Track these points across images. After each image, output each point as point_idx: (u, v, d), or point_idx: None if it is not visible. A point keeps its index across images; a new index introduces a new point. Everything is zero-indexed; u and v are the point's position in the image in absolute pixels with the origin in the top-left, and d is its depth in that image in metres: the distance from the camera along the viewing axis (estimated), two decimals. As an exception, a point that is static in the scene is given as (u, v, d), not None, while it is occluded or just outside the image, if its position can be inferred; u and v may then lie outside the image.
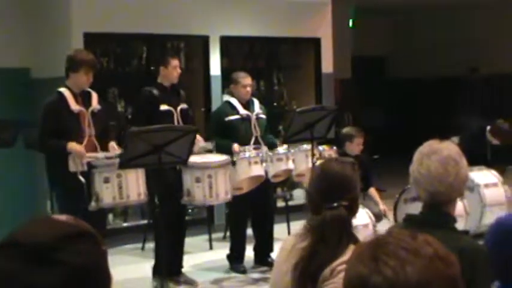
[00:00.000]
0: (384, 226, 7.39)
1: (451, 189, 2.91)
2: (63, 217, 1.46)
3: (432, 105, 15.30)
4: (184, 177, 6.74)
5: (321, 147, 7.52)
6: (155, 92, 6.94)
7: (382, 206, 8.08)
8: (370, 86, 15.66)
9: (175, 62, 7.09)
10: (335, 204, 2.85)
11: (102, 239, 1.47)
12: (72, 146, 6.09)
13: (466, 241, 2.89)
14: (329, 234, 2.80)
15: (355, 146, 8.02)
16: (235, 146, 7.23)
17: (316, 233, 2.83)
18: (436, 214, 2.94)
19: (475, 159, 8.13)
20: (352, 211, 2.95)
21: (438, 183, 2.89)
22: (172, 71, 7.05)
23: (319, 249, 2.80)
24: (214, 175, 6.72)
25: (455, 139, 8.95)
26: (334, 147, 7.71)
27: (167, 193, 6.47)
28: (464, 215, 7.91)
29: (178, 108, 7.00)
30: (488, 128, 9.10)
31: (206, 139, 7.96)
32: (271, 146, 7.45)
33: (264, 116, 7.64)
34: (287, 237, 3.11)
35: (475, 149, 8.60)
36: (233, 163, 6.99)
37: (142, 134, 5.82)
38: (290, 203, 9.40)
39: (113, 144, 6.38)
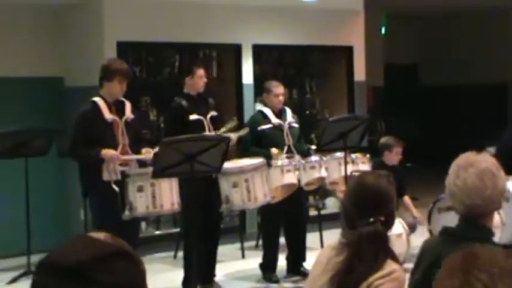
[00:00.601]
0: (418, 236, 7.36)
1: (488, 202, 2.89)
2: (101, 235, 1.47)
3: (466, 113, 15.18)
4: (221, 184, 6.75)
5: (354, 155, 7.49)
6: (184, 102, 6.98)
7: (416, 214, 8.05)
8: (403, 93, 15.59)
9: (200, 72, 7.11)
10: (372, 220, 2.84)
11: (140, 258, 1.47)
12: (106, 151, 6.14)
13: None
14: (366, 250, 2.79)
15: (394, 156, 8.00)
16: (273, 150, 7.23)
17: (353, 248, 2.82)
18: (473, 227, 2.92)
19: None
20: (388, 226, 2.93)
21: (475, 196, 2.87)
22: (198, 80, 7.08)
23: (355, 264, 2.78)
24: (251, 178, 6.72)
25: (492, 149, 8.85)
26: (368, 155, 7.67)
27: (200, 202, 6.49)
28: (500, 225, 7.83)
29: (208, 116, 7.03)
30: None
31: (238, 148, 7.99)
32: (305, 153, 7.44)
33: (296, 125, 7.63)
34: (322, 249, 3.09)
35: None
36: (269, 165, 7.00)
37: (174, 144, 5.85)
38: (323, 211, 9.39)
39: (147, 149, 6.41)
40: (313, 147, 7.56)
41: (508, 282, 1.41)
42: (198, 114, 6.96)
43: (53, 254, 1.43)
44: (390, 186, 2.99)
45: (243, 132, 7.23)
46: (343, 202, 3.04)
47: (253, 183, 6.72)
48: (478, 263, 1.44)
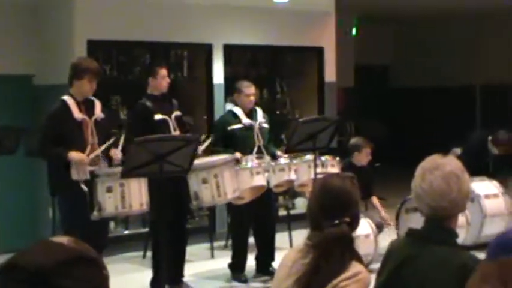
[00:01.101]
0: (385, 236, 7.41)
1: (453, 204, 2.92)
2: (64, 240, 1.46)
3: (434, 115, 15.32)
4: (190, 181, 6.72)
5: (323, 158, 7.52)
6: (148, 103, 6.96)
7: (383, 214, 8.11)
8: (373, 94, 15.68)
9: (163, 72, 7.08)
10: (337, 221, 2.86)
11: (103, 263, 1.47)
12: (73, 154, 6.09)
13: (468, 257, 2.90)
14: (331, 251, 2.81)
15: (364, 157, 8.06)
16: (237, 155, 7.23)
17: (318, 249, 2.84)
18: (439, 229, 2.95)
19: (478, 171, 8.16)
20: (353, 227, 2.95)
21: (441, 199, 2.90)
22: (161, 80, 7.05)
23: (321, 265, 2.80)
24: (220, 174, 6.70)
25: (458, 150, 8.96)
26: (337, 158, 7.70)
27: (168, 201, 6.46)
28: (465, 225, 7.93)
29: (173, 116, 7.01)
30: (490, 138, 9.12)
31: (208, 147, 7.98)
32: (273, 157, 7.47)
33: (267, 125, 7.65)
34: (286, 252, 3.10)
35: (478, 160, 8.62)
36: (237, 161, 7.01)
37: (145, 144, 5.83)
38: (292, 211, 9.42)
39: (115, 151, 6.39)
40: (279, 153, 7.55)
41: None
42: (163, 114, 6.94)
43: (15, 258, 1.42)
44: (354, 188, 3.01)
45: (208, 142, 7.18)
46: (308, 204, 3.05)
47: (223, 178, 6.71)
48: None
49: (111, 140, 6.31)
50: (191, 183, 6.73)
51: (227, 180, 6.75)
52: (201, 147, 6.91)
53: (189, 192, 6.73)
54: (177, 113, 7.11)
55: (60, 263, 1.39)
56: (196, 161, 6.41)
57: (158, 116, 6.90)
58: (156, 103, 6.97)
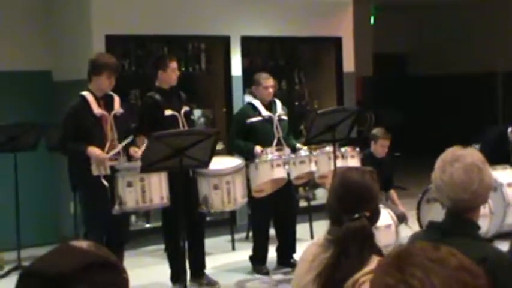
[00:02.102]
0: (408, 228, 7.39)
1: (474, 196, 2.90)
2: (84, 244, 1.47)
3: (454, 103, 15.22)
4: (200, 184, 6.73)
5: (343, 149, 7.50)
6: (158, 97, 6.91)
7: (401, 208, 8.07)
8: (392, 83, 15.61)
9: (173, 65, 7.03)
10: (356, 215, 2.85)
11: (122, 266, 1.48)
12: (92, 150, 6.13)
13: (490, 249, 2.88)
14: (351, 246, 2.80)
15: (379, 148, 8.03)
16: (257, 148, 7.23)
17: (339, 244, 2.83)
18: (459, 222, 2.93)
19: (498, 161, 8.10)
20: (373, 221, 2.95)
21: (461, 191, 2.87)
22: (171, 73, 6.99)
23: (341, 260, 2.80)
24: (232, 181, 6.73)
25: (476, 146, 8.89)
26: (357, 149, 7.68)
27: (178, 199, 6.43)
28: (489, 214, 7.88)
29: (182, 111, 6.97)
30: (510, 129, 8.98)
31: (227, 140, 7.99)
32: (293, 149, 7.46)
33: (286, 118, 7.63)
34: (307, 247, 3.10)
35: (497, 151, 8.52)
36: (253, 165, 7.00)
37: (164, 138, 5.85)
38: (312, 203, 9.40)
39: (134, 149, 6.42)
40: (299, 145, 7.54)
41: (442, 273, 1.43)
42: (173, 110, 6.89)
43: (35, 263, 1.43)
44: (374, 182, 3.00)
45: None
46: (328, 199, 3.05)
47: (234, 185, 6.73)
48: (412, 260, 1.46)
49: (130, 138, 6.33)
50: (201, 187, 6.73)
51: (238, 186, 6.78)
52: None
53: (197, 194, 6.72)
54: (186, 108, 7.08)
55: (80, 268, 1.39)
56: (210, 166, 6.36)
57: (168, 112, 6.86)
58: (165, 97, 6.93)
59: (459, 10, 14.81)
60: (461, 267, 1.46)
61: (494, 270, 2.77)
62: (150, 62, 8.95)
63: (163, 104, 6.87)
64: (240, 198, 6.82)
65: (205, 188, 6.72)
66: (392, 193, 8.24)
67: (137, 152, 6.37)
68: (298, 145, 7.55)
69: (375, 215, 2.96)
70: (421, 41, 16.00)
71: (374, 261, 2.80)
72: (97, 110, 6.30)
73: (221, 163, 6.92)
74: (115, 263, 1.45)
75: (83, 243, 1.47)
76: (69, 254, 1.43)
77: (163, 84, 7.01)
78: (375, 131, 8.23)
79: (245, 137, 7.41)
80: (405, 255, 1.48)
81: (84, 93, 6.35)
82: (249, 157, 7.15)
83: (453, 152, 2.96)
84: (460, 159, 2.91)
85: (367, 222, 2.86)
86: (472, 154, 2.95)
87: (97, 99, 6.34)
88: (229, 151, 8.19)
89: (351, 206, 2.90)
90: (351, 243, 2.80)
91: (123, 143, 6.29)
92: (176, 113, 6.90)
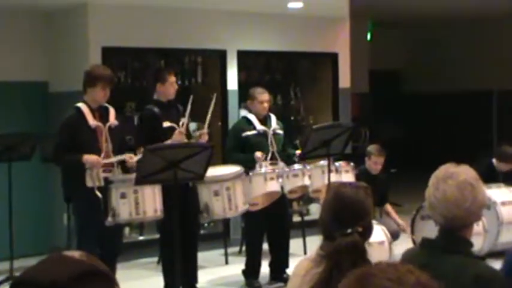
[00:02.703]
0: (400, 243, 7.37)
1: (467, 214, 2.90)
2: (76, 254, 1.46)
3: (450, 120, 15.25)
4: (201, 192, 6.75)
5: (337, 164, 7.50)
6: (156, 110, 6.94)
7: (399, 221, 8.07)
8: (388, 100, 15.64)
9: (172, 78, 7.06)
10: (349, 231, 2.84)
11: (114, 277, 1.47)
12: (87, 157, 6.13)
13: (483, 267, 2.88)
14: (344, 261, 2.80)
15: (372, 164, 8.03)
16: (258, 153, 7.24)
17: (331, 259, 2.83)
18: (453, 239, 2.93)
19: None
20: (366, 237, 2.94)
21: (455, 208, 2.87)
22: (170, 87, 7.03)
23: (333, 275, 2.79)
24: (232, 187, 6.72)
25: None
26: (351, 163, 7.68)
27: (177, 211, 6.44)
28: (482, 232, 7.88)
29: (180, 123, 7.00)
30: (494, 160, 8.92)
31: (223, 153, 7.98)
32: (291, 158, 7.46)
33: (281, 132, 7.64)
34: (299, 262, 3.09)
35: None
36: (247, 173, 7.00)
37: (158, 151, 5.84)
38: (306, 217, 9.39)
39: (129, 155, 6.41)
40: (298, 152, 7.55)
41: None
42: (171, 122, 6.93)
43: (27, 272, 1.43)
44: (368, 197, 3.00)
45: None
46: (321, 213, 3.04)
47: (235, 191, 6.73)
48: (372, 281, 1.50)
49: (124, 156, 6.32)
50: (202, 195, 6.74)
51: (238, 193, 6.77)
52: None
53: (199, 203, 6.73)
54: (184, 120, 7.09)
55: (72, 277, 1.39)
56: (209, 173, 6.40)
57: (166, 124, 6.89)
58: (163, 110, 6.96)
59: (455, 28, 14.87)
60: (418, 284, 1.51)
61: (487, 287, 2.77)
62: (147, 75, 9.01)
63: (161, 116, 6.88)
64: (241, 204, 6.82)
65: (205, 195, 6.73)
66: (388, 207, 8.22)
67: (132, 158, 6.37)
68: (298, 151, 7.52)
69: (368, 231, 2.96)
70: (417, 58, 16.05)
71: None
72: (92, 121, 6.30)
73: (220, 170, 6.93)
74: (107, 273, 1.45)
75: (75, 253, 1.46)
76: (61, 263, 1.43)
77: (162, 97, 7.03)
78: (370, 147, 8.24)
79: (240, 151, 7.41)
80: (365, 276, 1.52)
81: (80, 104, 6.35)
82: (250, 169, 7.14)
83: (446, 169, 2.96)
84: (453, 176, 2.91)
85: (359, 237, 2.86)
86: (466, 171, 2.95)
87: (92, 110, 6.34)
88: (225, 162, 8.19)
89: (344, 221, 2.90)
90: (344, 259, 2.79)
91: (118, 158, 6.28)
92: (175, 125, 6.91)
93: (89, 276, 1.41)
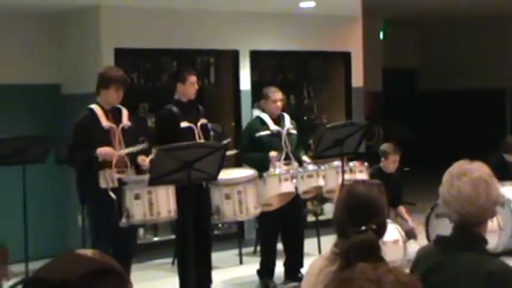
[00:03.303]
0: (416, 244, 7.36)
1: (482, 210, 2.90)
2: (89, 252, 1.47)
3: (464, 118, 15.20)
4: (213, 194, 6.77)
5: (351, 163, 7.49)
6: (175, 109, 6.97)
7: (411, 224, 8.04)
8: (401, 98, 15.60)
9: (192, 78, 7.09)
10: (363, 228, 2.85)
11: (127, 276, 1.48)
12: (101, 149, 6.16)
13: (497, 264, 2.87)
14: (357, 259, 2.79)
15: (390, 164, 8.01)
16: (272, 153, 7.24)
17: (345, 257, 2.83)
18: (467, 236, 2.92)
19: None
20: (380, 234, 2.94)
21: (469, 205, 2.87)
22: (190, 87, 7.06)
23: (348, 273, 2.79)
24: (244, 191, 6.74)
25: None
26: (365, 163, 7.66)
27: (191, 212, 6.45)
28: (497, 230, 7.85)
29: (199, 123, 7.02)
30: (504, 152, 8.96)
31: (236, 153, 8.00)
32: (300, 163, 7.47)
33: (294, 132, 7.64)
34: (313, 261, 3.10)
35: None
36: (260, 176, 7.00)
37: (172, 151, 5.86)
38: (320, 217, 9.40)
39: (142, 157, 6.43)
40: (304, 157, 7.56)
41: None
42: (189, 122, 6.96)
43: (40, 270, 1.44)
44: (381, 194, 3.00)
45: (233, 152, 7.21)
46: (335, 211, 3.05)
47: (246, 195, 6.74)
48: (353, 284, 1.54)
49: (140, 146, 6.34)
50: (213, 197, 6.76)
51: (250, 196, 6.78)
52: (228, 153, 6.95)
53: (210, 205, 6.75)
54: (203, 120, 7.12)
55: (84, 275, 1.40)
56: (221, 176, 6.42)
57: (184, 124, 6.92)
58: (182, 109, 6.99)
59: (470, 25, 14.81)
60: (397, 283, 1.55)
61: (501, 285, 2.77)
62: (161, 76, 9.03)
63: (179, 116, 6.92)
64: (252, 208, 6.82)
65: (217, 198, 6.75)
66: (401, 209, 8.20)
67: (145, 160, 6.39)
68: (304, 157, 7.56)
69: (382, 228, 2.96)
70: (430, 56, 16.00)
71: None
72: (105, 122, 6.32)
73: (233, 173, 6.94)
74: (120, 271, 1.46)
75: (87, 251, 1.47)
76: (73, 262, 1.44)
77: (182, 97, 7.06)
78: (384, 147, 8.20)
79: (254, 151, 7.41)
80: (346, 279, 1.57)
81: (93, 106, 6.38)
82: (264, 168, 7.14)
83: (461, 165, 2.96)
84: (467, 173, 2.91)
85: (373, 234, 2.85)
86: (480, 168, 2.95)
87: (105, 112, 6.37)
88: (238, 163, 8.22)
89: (358, 218, 2.90)
90: (357, 256, 2.79)
91: (132, 149, 6.28)
92: (192, 125, 6.93)
93: (102, 274, 1.42)
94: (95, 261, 1.45)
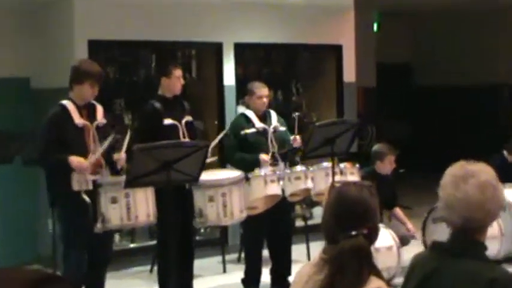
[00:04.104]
0: (410, 248, 7.38)
1: (487, 215, 2.93)
2: (32, 268, 1.47)
3: (460, 115, 15.24)
4: (196, 196, 6.76)
5: (342, 165, 7.49)
6: (158, 105, 6.96)
7: (409, 226, 8.06)
8: (396, 94, 15.63)
9: (178, 72, 7.08)
10: (354, 233, 2.84)
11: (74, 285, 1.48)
12: (74, 159, 6.10)
13: (499, 271, 2.88)
14: (348, 266, 2.79)
15: (387, 165, 8.01)
16: (263, 155, 7.24)
17: (334, 264, 2.83)
18: (466, 242, 2.93)
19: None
20: (372, 239, 2.93)
21: (476, 210, 2.89)
22: (176, 81, 7.05)
23: (337, 281, 2.79)
24: (229, 193, 6.72)
25: None
26: (357, 165, 7.66)
27: (173, 216, 6.43)
28: (499, 236, 7.89)
29: (183, 121, 7.01)
30: (505, 152, 9.05)
31: (220, 154, 7.99)
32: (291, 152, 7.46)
33: (283, 129, 7.64)
34: (301, 268, 3.10)
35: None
36: (246, 179, 7.00)
37: (150, 151, 5.84)
38: (309, 222, 9.41)
39: (119, 154, 6.39)
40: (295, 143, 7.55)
41: None
42: (173, 119, 6.95)
43: None
44: (373, 197, 2.99)
45: (222, 134, 7.22)
46: (323, 215, 3.04)
47: (231, 198, 6.74)
48: None
49: (110, 138, 6.25)
50: (196, 200, 6.74)
51: (235, 200, 6.77)
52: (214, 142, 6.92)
53: (193, 207, 6.74)
54: (188, 118, 7.11)
55: (31, 282, 1.39)
56: (204, 177, 6.41)
57: (168, 121, 6.91)
58: (166, 106, 6.98)
59: (467, 18, 14.86)
60: None
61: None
62: (139, 71, 8.99)
63: (163, 112, 6.90)
64: (237, 212, 6.81)
65: (200, 200, 6.74)
66: (398, 211, 8.21)
67: (121, 157, 6.34)
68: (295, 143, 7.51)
69: (374, 233, 2.95)
70: (427, 50, 16.03)
71: (373, 283, 2.80)
72: (78, 120, 6.28)
73: (217, 174, 6.93)
74: (66, 280, 1.45)
75: (30, 268, 1.47)
76: (19, 272, 1.43)
77: (166, 93, 7.06)
78: (380, 147, 8.18)
79: (238, 150, 7.40)
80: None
81: (65, 102, 6.32)
82: (252, 170, 7.14)
83: (464, 167, 2.96)
84: (474, 175, 2.91)
85: (364, 240, 2.86)
86: (486, 170, 2.96)
87: (79, 108, 6.32)
88: (222, 165, 8.21)
89: (348, 222, 2.90)
90: (348, 263, 2.79)
91: (105, 145, 6.21)
92: (176, 123, 6.92)
93: (46, 281, 1.41)
94: (39, 271, 1.44)
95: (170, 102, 7.04)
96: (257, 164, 7.22)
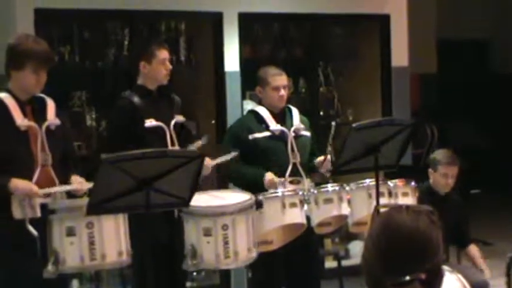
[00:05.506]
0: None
1: None
2: None
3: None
4: (187, 228, 6.72)
5: (391, 183, 7.48)
6: (136, 100, 6.98)
7: (484, 267, 8.04)
8: (466, 84, 15.63)
9: (163, 54, 7.09)
10: (407, 279, 2.84)
11: None
12: (17, 183, 6.09)
13: None
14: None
15: (440, 178, 7.97)
16: (269, 175, 7.24)
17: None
18: None
19: None
20: (432, 287, 2.92)
21: None
22: (159, 67, 7.06)
23: None
24: (232, 224, 6.66)
25: None
26: (413, 183, 7.64)
27: (156, 253, 6.44)
28: None
29: (172, 122, 7.03)
30: None
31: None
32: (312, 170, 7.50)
33: (307, 133, 7.67)
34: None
35: None
36: (258, 205, 6.98)
37: (122, 163, 5.83)
38: (344, 262, 9.43)
39: (76, 178, 6.40)
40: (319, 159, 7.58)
41: None
42: (158, 120, 6.96)
43: None
44: (434, 227, 2.98)
45: (229, 156, 7.17)
46: (364, 253, 3.03)
47: (234, 231, 6.65)
48: None
49: (74, 186, 6.30)
50: (188, 233, 6.69)
51: (241, 234, 6.67)
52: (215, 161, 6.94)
53: (184, 243, 6.71)
54: (179, 118, 7.11)
55: None
56: (199, 202, 6.39)
57: (151, 122, 6.90)
58: (148, 101, 7.01)
59: None
60: None
61: None
62: (107, 51, 8.99)
63: (144, 110, 6.93)
64: (244, 251, 6.74)
65: (192, 234, 6.67)
66: (473, 250, 8.17)
67: (83, 184, 6.35)
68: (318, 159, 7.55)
69: (435, 279, 2.95)
70: (507, 24, 16.04)
71: None
72: (21, 120, 6.27)
73: (217, 199, 6.91)
74: None
75: None
76: None
77: (148, 83, 7.09)
78: (436, 154, 8.20)
79: (245, 161, 7.40)
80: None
81: (2, 95, 6.32)
82: (258, 189, 7.12)
83: None
84: None
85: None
86: None
87: (21, 104, 6.32)
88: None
89: (398, 264, 2.90)
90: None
91: (64, 187, 6.26)
92: (163, 125, 6.93)
93: None
94: None
95: (153, 96, 7.06)
96: (261, 183, 7.20)
